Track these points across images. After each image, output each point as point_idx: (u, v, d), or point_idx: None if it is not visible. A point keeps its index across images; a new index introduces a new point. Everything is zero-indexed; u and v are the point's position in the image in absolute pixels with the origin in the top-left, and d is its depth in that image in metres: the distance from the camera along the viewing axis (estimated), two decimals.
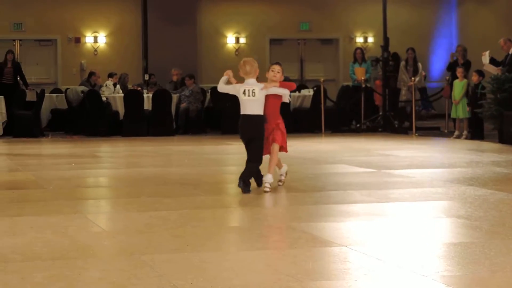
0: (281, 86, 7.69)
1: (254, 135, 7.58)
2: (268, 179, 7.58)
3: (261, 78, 7.98)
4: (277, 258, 4.88)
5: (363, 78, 16.92)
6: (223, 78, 7.77)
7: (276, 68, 7.70)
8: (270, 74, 7.68)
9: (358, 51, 17.82)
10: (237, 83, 7.79)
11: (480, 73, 14.22)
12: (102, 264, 4.68)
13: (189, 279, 4.25)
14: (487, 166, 9.77)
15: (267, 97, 7.60)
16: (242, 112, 7.63)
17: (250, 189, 7.49)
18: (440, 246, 5.13)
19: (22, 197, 7.45)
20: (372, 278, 4.30)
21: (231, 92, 7.80)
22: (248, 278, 4.31)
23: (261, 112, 7.57)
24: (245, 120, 7.60)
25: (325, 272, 4.49)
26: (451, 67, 16.02)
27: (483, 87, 13.87)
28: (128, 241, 5.34)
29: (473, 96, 14.09)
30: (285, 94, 7.69)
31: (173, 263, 4.64)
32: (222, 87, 7.80)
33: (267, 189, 7.53)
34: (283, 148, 7.79)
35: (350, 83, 17.98)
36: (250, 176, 7.57)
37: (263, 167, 7.73)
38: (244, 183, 7.44)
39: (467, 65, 15.49)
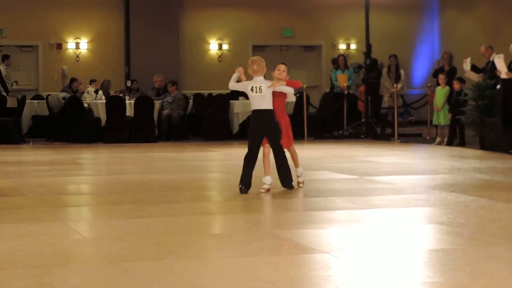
0: (288, 84, 8.14)
1: (268, 130, 7.97)
2: (299, 172, 8.30)
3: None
4: (259, 265, 4.86)
5: (345, 84, 16.96)
6: (234, 76, 8.19)
7: (282, 67, 8.19)
8: (276, 73, 8.17)
9: (341, 57, 17.84)
10: (246, 80, 8.21)
11: (461, 80, 14.30)
12: (82, 271, 4.64)
13: (170, 286, 4.23)
14: (469, 172, 9.81)
15: (274, 94, 8.01)
16: (252, 108, 8.10)
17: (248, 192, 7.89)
18: (421, 252, 5.14)
19: (2, 204, 7.38)
20: (354, 285, 4.30)
21: (240, 90, 8.35)
22: (229, 286, 4.30)
23: (270, 107, 8.00)
24: (256, 115, 8.04)
25: (307, 279, 4.48)
26: (437, 74, 16.07)
27: (465, 94, 13.94)
28: (109, 248, 5.30)
29: (455, 103, 14.16)
30: (290, 93, 8.16)
31: (154, 270, 4.62)
32: (232, 85, 8.22)
33: (302, 185, 8.27)
34: (288, 144, 8.26)
35: (327, 90, 18.04)
36: (289, 170, 8.12)
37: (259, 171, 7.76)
38: (290, 182, 8.09)
39: (452, 72, 15.54)
